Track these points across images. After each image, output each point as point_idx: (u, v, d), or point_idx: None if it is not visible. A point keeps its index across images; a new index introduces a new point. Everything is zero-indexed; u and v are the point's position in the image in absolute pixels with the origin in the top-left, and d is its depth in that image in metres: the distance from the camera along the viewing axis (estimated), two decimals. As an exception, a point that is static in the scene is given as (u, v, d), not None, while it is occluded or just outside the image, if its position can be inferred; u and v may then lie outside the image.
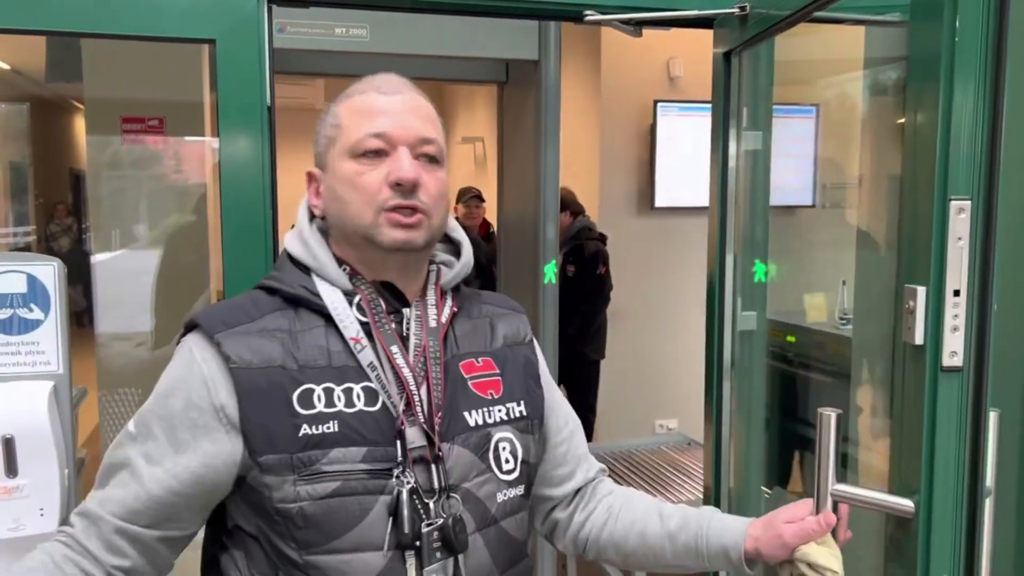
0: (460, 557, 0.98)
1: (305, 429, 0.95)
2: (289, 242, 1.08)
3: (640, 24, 1.77)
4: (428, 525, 0.96)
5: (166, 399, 0.98)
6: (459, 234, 1.14)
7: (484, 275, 3.98)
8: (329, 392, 0.98)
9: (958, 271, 0.92)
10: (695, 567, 1.14)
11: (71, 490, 1.38)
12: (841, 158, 2.80)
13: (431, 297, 1.09)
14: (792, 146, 4.07)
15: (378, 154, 1.00)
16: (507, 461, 1.06)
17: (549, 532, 1.24)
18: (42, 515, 1.38)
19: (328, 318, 1.01)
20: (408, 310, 1.06)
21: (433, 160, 1.03)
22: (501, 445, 1.06)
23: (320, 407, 0.96)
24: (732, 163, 1.79)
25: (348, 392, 0.98)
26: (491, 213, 3.76)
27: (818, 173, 3.12)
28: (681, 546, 1.12)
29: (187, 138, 2.66)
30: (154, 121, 2.60)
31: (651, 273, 4.42)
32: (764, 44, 1.72)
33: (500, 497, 1.03)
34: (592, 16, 1.69)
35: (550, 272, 2.79)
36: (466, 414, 1.04)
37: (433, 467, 0.98)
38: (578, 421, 1.24)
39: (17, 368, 1.38)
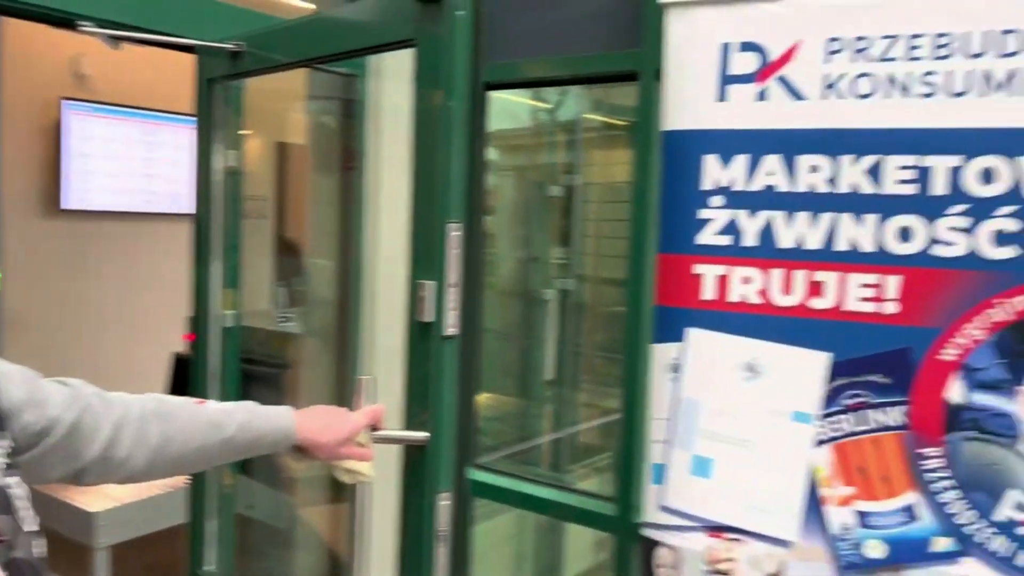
0: None
1: None
2: None
3: (129, 41, 1.75)
4: None
5: None
6: None
7: None
8: None
9: (455, 270, 1.27)
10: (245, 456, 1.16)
11: None
12: (256, 173, 2.98)
13: None
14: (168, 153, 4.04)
15: None
16: (27, 508, 0.82)
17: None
18: None
19: None
20: None
21: None
22: (13, 493, 0.82)
23: None
24: (216, 176, 1.89)
25: None
26: None
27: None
28: (240, 445, 1.12)
29: None
30: None
31: (61, 278, 3.98)
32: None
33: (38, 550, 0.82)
34: (87, 27, 1.61)
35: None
36: None
37: None
38: None
39: None
